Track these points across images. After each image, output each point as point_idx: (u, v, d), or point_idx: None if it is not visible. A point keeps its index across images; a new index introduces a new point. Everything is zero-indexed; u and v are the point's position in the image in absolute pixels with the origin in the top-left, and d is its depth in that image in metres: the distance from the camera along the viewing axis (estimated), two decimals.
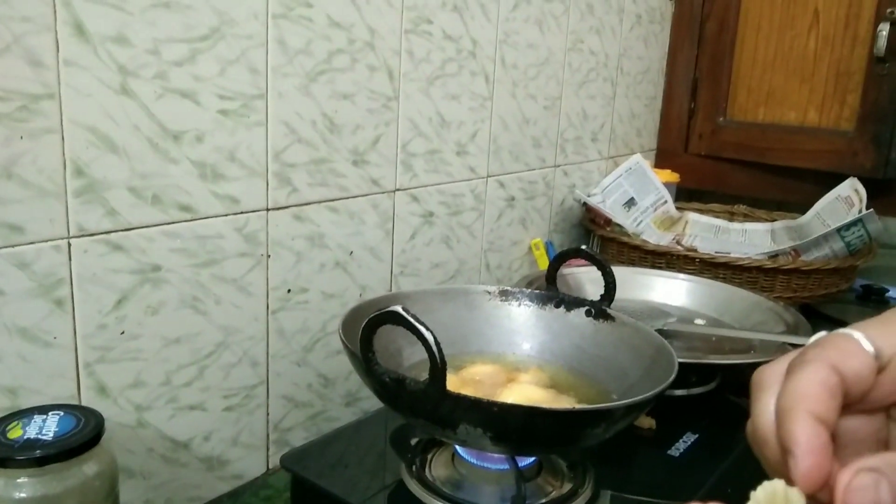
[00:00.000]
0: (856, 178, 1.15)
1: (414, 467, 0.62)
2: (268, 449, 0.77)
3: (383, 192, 0.83)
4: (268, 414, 0.75)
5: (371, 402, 0.84)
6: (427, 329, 0.46)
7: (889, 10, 1.13)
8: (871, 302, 1.25)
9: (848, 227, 1.02)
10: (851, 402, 0.28)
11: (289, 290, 0.75)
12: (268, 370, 0.74)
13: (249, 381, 0.73)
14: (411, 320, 0.46)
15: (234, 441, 0.73)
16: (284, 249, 0.73)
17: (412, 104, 0.85)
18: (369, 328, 0.49)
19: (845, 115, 1.23)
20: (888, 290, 1.26)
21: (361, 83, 0.77)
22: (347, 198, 0.79)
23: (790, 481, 0.26)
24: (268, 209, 0.70)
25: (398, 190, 0.85)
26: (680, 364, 0.59)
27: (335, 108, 0.75)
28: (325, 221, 0.77)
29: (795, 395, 0.26)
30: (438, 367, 0.47)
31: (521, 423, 0.49)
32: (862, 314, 0.30)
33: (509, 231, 1.08)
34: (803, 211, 1.21)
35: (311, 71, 0.72)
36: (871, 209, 1.03)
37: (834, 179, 1.19)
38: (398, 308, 0.47)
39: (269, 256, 0.72)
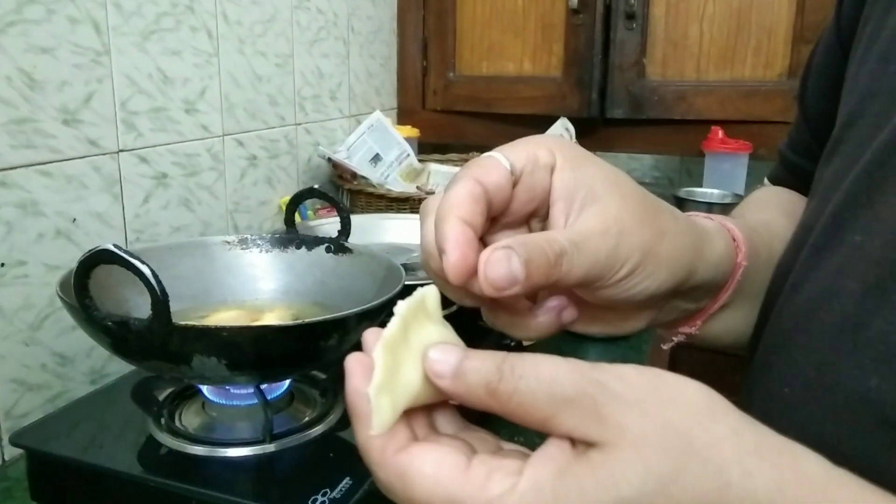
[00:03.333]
0: (566, 118, 1.29)
1: (163, 420, 0.61)
2: (0, 439, 0.70)
3: (105, 154, 0.79)
4: None
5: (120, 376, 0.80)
6: (142, 262, 0.46)
7: None
8: None
9: None
10: (497, 214, 0.33)
11: (2, 265, 0.68)
12: None
13: None
14: (124, 255, 0.45)
15: None
16: None
17: (127, 59, 0.81)
18: (82, 272, 0.47)
19: (553, 63, 1.38)
20: None
21: (62, 36, 0.72)
22: (62, 160, 0.74)
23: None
24: None
25: (122, 151, 0.81)
26: (414, 285, 0.64)
27: (33, 62, 0.69)
28: (37, 187, 0.71)
29: (446, 205, 0.31)
30: (160, 300, 0.46)
31: (253, 344, 0.51)
32: None
33: (255, 191, 1.08)
34: None
35: None
36: (576, 141, 1.17)
37: (550, 121, 1.33)
38: (109, 245, 0.46)
39: None
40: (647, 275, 0.33)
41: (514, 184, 0.33)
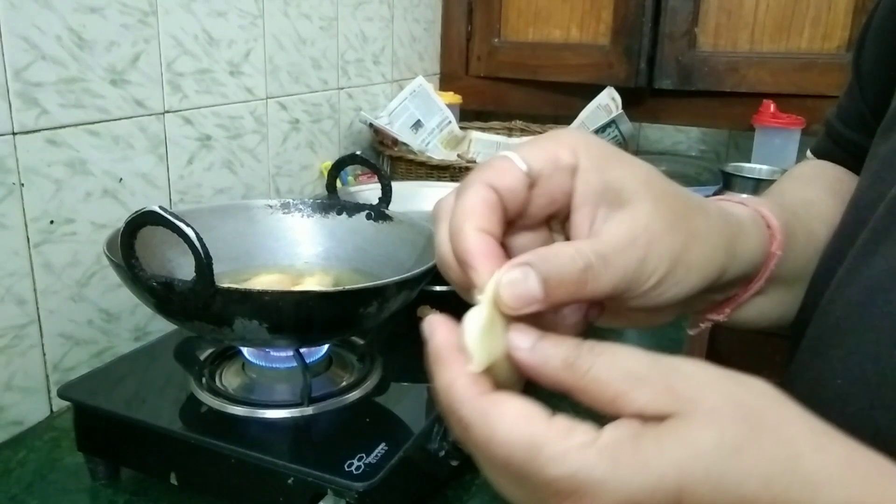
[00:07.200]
0: (612, 88, 1.26)
1: (204, 379, 0.62)
2: (49, 391, 0.73)
3: (151, 115, 0.80)
4: (44, 354, 0.71)
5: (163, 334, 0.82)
6: (187, 225, 0.46)
7: None
8: None
9: (603, 128, 1.13)
10: (514, 218, 0.31)
11: (51, 221, 0.70)
12: (38, 308, 0.70)
13: (17, 320, 0.68)
14: (170, 218, 0.46)
15: (6, 385, 0.68)
16: (40, 177, 0.68)
17: (173, 20, 0.81)
18: (128, 232, 0.48)
19: (601, 31, 1.35)
20: None
21: None
22: (109, 120, 0.74)
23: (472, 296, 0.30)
24: (14, 133, 0.65)
25: (168, 112, 0.82)
26: None
27: (82, 22, 0.70)
28: (86, 146, 0.72)
29: (461, 215, 0.29)
30: (203, 262, 0.47)
31: (294, 309, 0.51)
32: None
33: (297, 154, 1.08)
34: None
35: None
36: (622, 111, 1.15)
37: (596, 91, 1.30)
38: (155, 207, 0.46)
39: (22, 185, 0.66)
40: (675, 282, 0.31)
41: (531, 186, 0.31)
